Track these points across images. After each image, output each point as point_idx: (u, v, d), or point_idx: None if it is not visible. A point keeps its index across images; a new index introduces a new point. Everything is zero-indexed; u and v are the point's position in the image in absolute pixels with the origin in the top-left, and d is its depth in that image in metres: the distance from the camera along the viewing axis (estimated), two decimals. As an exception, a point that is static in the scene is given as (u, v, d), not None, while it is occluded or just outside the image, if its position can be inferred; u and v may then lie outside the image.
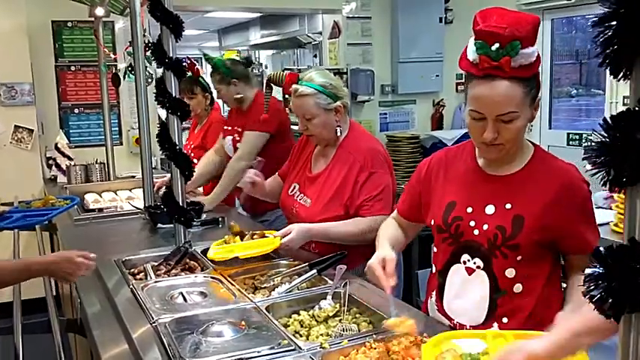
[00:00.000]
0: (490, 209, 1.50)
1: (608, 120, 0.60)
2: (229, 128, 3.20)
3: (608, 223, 2.67)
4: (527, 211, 1.45)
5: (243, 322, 1.58)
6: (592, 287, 0.62)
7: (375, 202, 2.13)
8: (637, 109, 0.58)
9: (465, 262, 1.53)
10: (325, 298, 1.74)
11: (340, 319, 1.65)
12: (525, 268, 1.46)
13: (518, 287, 1.47)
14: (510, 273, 1.47)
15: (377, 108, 5.01)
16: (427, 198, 1.68)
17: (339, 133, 2.24)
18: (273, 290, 1.83)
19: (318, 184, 2.26)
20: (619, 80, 0.61)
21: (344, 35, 4.85)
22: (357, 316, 1.68)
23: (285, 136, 3.05)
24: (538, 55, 1.41)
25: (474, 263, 1.51)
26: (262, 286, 1.88)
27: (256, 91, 3.17)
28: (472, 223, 1.52)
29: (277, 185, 2.51)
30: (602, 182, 0.61)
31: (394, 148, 4.63)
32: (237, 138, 3.12)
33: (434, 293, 1.64)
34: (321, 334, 1.56)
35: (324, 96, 2.18)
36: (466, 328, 1.52)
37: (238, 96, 3.10)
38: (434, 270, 1.65)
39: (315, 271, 1.89)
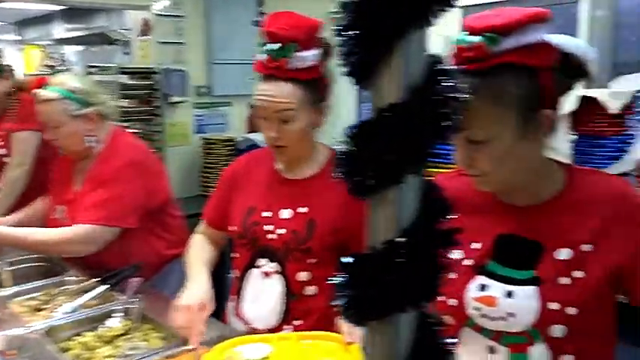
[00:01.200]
0: (286, 213, 1.51)
1: (351, 129, 0.59)
2: None
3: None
4: (321, 215, 1.47)
5: (14, 351, 1.40)
6: (338, 295, 0.61)
7: (95, 210, 1.92)
8: (376, 118, 0.58)
9: (261, 267, 1.52)
10: (113, 316, 1.61)
11: (129, 338, 1.54)
12: (320, 271, 1.47)
13: (311, 290, 1.49)
14: (304, 276, 1.48)
15: (192, 110, 4.87)
16: (231, 204, 1.64)
17: (90, 144, 2.00)
18: (56, 311, 1.65)
19: (77, 204, 2.00)
20: (364, 89, 0.60)
21: (155, 33, 4.64)
22: (149, 332, 1.58)
23: None
24: (323, 60, 1.44)
25: (271, 267, 1.51)
26: (44, 307, 1.69)
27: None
28: (269, 228, 1.51)
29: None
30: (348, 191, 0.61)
31: (210, 150, 4.54)
32: (1, 143, 2.74)
33: (234, 298, 1.61)
34: (106, 356, 1.44)
35: (72, 102, 1.96)
36: (260, 332, 1.51)
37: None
38: (235, 275, 1.62)
39: (105, 286, 1.75)
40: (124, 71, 4.39)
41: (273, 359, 1.27)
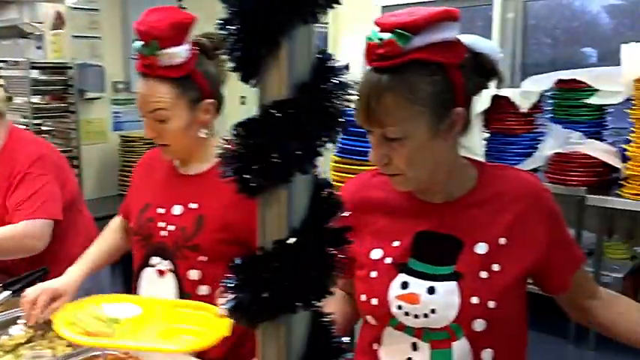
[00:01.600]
0: (178, 209, 1.48)
1: (236, 126, 0.57)
2: None
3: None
4: (211, 211, 1.44)
5: None
6: (228, 298, 0.59)
7: (28, 206, 1.84)
8: (262, 115, 0.57)
9: (155, 265, 1.48)
10: (17, 323, 1.53)
11: (33, 346, 1.46)
12: (212, 270, 1.43)
13: (204, 289, 1.45)
14: (195, 275, 1.44)
15: (109, 106, 4.69)
16: (132, 199, 1.60)
17: None
18: (-49, 321, 1.54)
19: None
20: (253, 86, 0.59)
21: (68, 27, 4.44)
22: (55, 340, 1.50)
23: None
24: (193, 56, 1.41)
25: (164, 266, 1.47)
26: (-63, 318, 1.57)
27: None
28: (161, 224, 1.48)
29: None
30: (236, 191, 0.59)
31: (128, 148, 4.39)
32: None
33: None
34: (6, 367, 1.36)
35: None
36: None
37: None
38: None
39: (8, 292, 1.65)
40: (35, 66, 4.17)
41: (136, 321, 1.27)
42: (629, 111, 2.86)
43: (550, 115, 3.23)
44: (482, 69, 1.06)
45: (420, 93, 0.99)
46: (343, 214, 0.60)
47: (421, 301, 1.06)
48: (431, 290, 1.06)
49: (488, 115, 3.30)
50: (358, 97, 1.02)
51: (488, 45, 1.08)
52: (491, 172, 1.14)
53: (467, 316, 1.05)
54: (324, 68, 0.58)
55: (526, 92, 3.16)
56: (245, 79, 0.58)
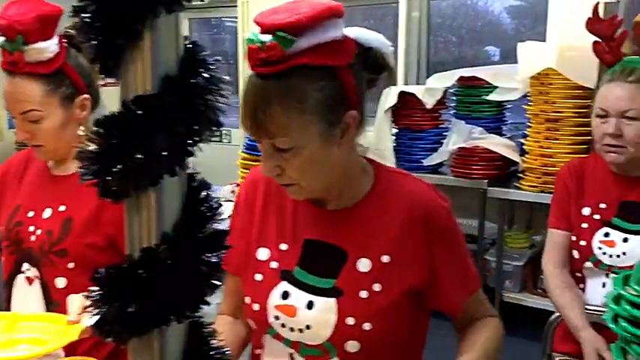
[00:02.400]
0: (47, 212, 1.38)
1: (96, 124, 0.52)
2: None
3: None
4: (79, 214, 1.36)
5: None
6: (92, 312, 0.54)
7: None
8: (123, 112, 0.52)
9: (25, 272, 1.38)
10: None
11: None
12: (80, 278, 1.34)
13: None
14: (61, 283, 1.36)
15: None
16: (2, 203, 1.49)
17: None
18: None
19: None
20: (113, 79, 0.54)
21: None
22: None
23: None
24: (62, 50, 1.33)
25: (32, 273, 1.37)
26: None
27: None
28: (31, 229, 1.38)
29: None
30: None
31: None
32: None
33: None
34: None
35: None
36: None
37: None
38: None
39: None
40: None
41: None
42: (525, 107, 3.00)
43: (454, 111, 3.33)
44: (373, 64, 1.01)
45: (309, 101, 0.92)
46: (221, 217, 0.56)
47: (298, 315, 1.02)
48: (310, 305, 1.02)
49: (397, 112, 3.36)
50: (244, 105, 0.93)
51: (377, 38, 1.02)
52: (387, 180, 1.08)
53: (341, 337, 1.00)
54: (193, 61, 0.54)
55: (430, 89, 3.24)
56: (105, 72, 0.53)
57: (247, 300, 1.08)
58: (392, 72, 1.06)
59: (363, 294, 1.01)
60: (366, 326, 0.99)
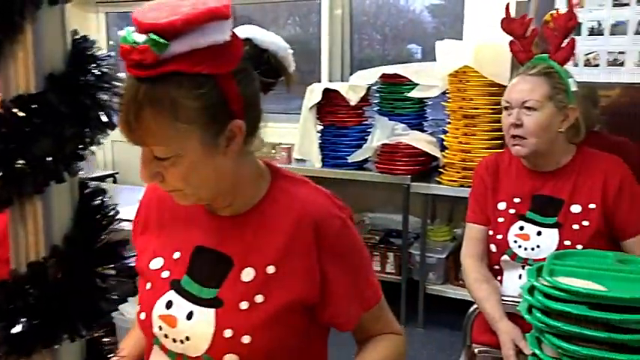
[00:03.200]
0: None
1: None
2: None
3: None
4: None
5: None
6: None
7: None
8: (3, 114, 0.47)
9: None
10: None
11: None
12: None
13: None
14: None
15: None
16: None
17: None
18: None
19: None
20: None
21: None
22: None
23: None
24: None
25: None
26: None
27: None
28: None
29: None
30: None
31: None
32: None
33: None
34: None
35: None
36: None
37: None
38: None
39: None
40: None
41: None
42: (444, 104, 3.07)
43: (377, 108, 3.37)
44: (269, 68, 0.95)
45: (184, 110, 0.84)
46: (115, 227, 0.53)
47: (178, 325, 0.97)
48: (190, 315, 0.97)
49: (321, 109, 3.36)
50: (119, 108, 0.82)
51: (273, 40, 0.96)
52: (282, 187, 1.02)
53: (218, 350, 0.95)
54: (82, 57, 0.50)
55: (354, 86, 3.26)
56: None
57: (137, 308, 1.03)
58: (290, 76, 0.99)
59: (244, 305, 0.95)
60: (245, 339, 0.94)
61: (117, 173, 4.54)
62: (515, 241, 1.62)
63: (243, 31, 0.93)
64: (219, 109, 0.87)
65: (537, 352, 1.16)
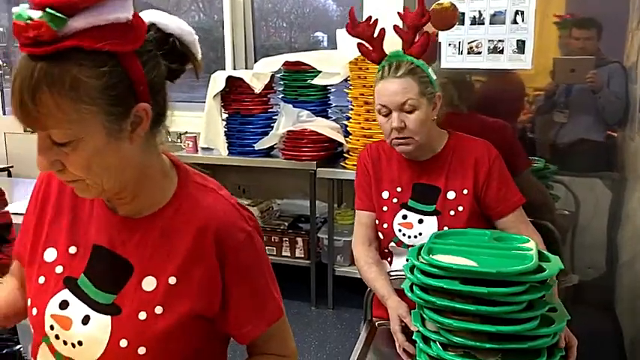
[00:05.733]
0: None
1: None
2: None
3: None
4: None
5: None
6: None
7: None
8: None
9: None
10: None
11: None
12: None
13: None
14: None
15: None
16: None
17: None
18: None
19: None
20: None
21: None
22: None
23: None
24: None
25: None
26: None
27: None
28: None
29: None
30: None
31: None
32: None
33: None
34: None
35: None
36: None
37: None
38: None
39: None
40: None
41: None
42: (347, 90, 3.15)
43: (282, 96, 3.41)
44: (174, 52, 0.91)
45: (85, 90, 0.79)
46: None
47: (72, 328, 0.93)
48: (85, 319, 0.93)
49: (226, 97, 3.35)
50: (12, 91, 0.79)
51: (179, 25, 0.93)
52: (189, 192, 0.98)
53: (111, 359, 0.92)
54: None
55: (258, 74, 3.27)
56: None
57: (28, 302, 0.99)
58: (198, 63, 0.96)
59: (142, 315, 0.92)
60: (141, 350, 0.91)
61: (11, 167, 4.34)
62: (400, 230, 1.68)
63: (147, 16, 0.90)
64: (123, 90, 0.83)
65: (420, 327, 1.23)
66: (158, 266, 0.93)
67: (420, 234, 1.66)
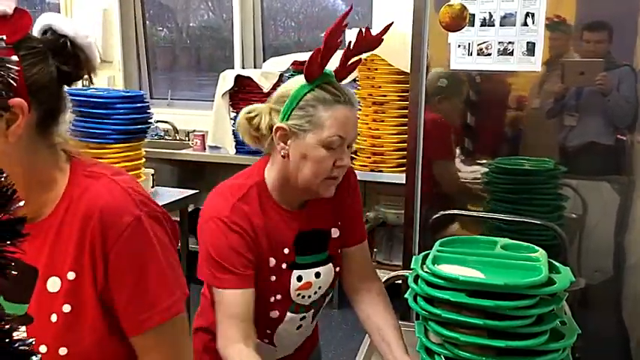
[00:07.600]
0: None
1: None
2: None
3: None
4: None
5: None
6: None
7: None
8: None
9: None
10: None
11: None
12: None
13: None
14: None
15: None
16: None
17: None
18: None
19: None
20: None
21: None
22: None
23: None
24: None
25: None
26: None
27: None
28: None
29: None
30: None
31: None
32: None
33: None
34: None
35: None
36: None
37: None
38: None
39: None
40: None
41: None
42: (355, 91, 3.16)
43: (290, 95, 3.40)
44: (64, 54, 0.88)
45: None
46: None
47: None
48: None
49: (234, 96, 3.36)
50: None
51: (73, 27, 0.89)
52: (79, 183, 0.93)
53: None
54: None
55: (266, 73, 3.29)
56: None
57: None
58: (89, 64, 0.92)
59: (54, 318, 0.90)
60: (62, 351, 0.90)
61: None
62: (299, 294, 1.35)
63: (45, 19, 0.89)
64: None
65: (423, 339, 1.15)
66: (58, 265, 0.90)
67: (320, 287, 1.38)
